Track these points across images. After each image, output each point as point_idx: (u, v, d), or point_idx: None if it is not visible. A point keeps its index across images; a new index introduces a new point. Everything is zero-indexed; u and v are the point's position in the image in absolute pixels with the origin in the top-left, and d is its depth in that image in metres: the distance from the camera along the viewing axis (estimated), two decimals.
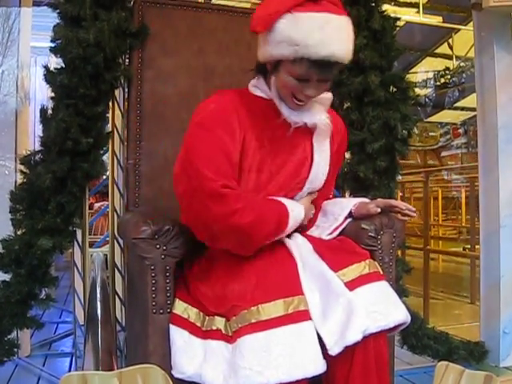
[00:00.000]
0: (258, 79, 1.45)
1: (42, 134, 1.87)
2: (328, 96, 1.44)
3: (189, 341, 1.29)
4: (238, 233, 1.25)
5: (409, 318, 1.34)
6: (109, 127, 1.97)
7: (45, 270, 1.88)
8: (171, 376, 1.23)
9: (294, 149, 1.42)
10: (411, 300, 2.21)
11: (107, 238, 2.13)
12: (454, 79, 7.39)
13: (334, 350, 1.20)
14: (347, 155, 2.18)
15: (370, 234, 1.49)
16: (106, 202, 2.93)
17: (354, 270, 1.32)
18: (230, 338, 1.21)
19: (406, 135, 2.20)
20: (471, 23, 2.77)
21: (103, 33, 1.79)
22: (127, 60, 1.93)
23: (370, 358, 1.24)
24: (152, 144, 1.87)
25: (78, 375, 1.07)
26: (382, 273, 1.39)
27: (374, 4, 2.20)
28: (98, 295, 1.83)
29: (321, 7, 1.28)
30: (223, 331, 1.24)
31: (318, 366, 1.17)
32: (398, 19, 2.28)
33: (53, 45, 1.85)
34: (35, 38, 2.95)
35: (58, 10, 1.85)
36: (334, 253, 1.37)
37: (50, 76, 1.85)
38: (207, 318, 1.29)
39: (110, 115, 1.96)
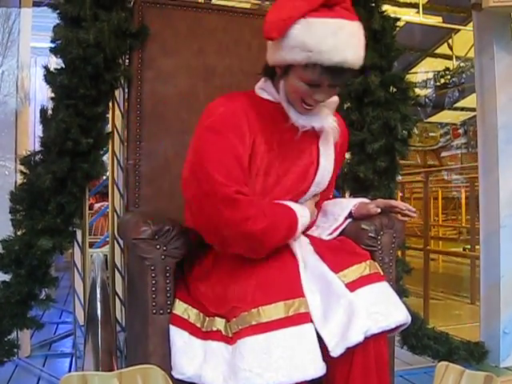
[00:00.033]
0: (265, 82, 1.44)
1: (41, 135, 1.87)
2: (335, 99, 1.42)
3: (189, 341, 1.29)
4: (250, 239, 1.25)
5: (409, 319, 1.34)
6: (109, 127, 1.97)
7: (45, 271, 1.88)
8: (171, 377, 1.23)
9: (301, 153, 1.41)
10: (411, 300, 2.21)
11: (107, 239, 2.13)
12: (453, 79, 7.38)
13: (336, 351, 1.21)
14: (347, 155, 2.17)
15: (370, 234, 1.49)
16: (106, 203, 2.93)
17: (355, 271, 1.33)
18: (230, 339, 1.21)
19: (405, 135, 2.20)
20: (471, 23, 2.78)
21: (103, 33, 1.79)
22: (127, 60, 1.92)
23: (370, 359, 1.24)
24: (152, 144, 1.87)
25: (78, 376, 1.07)
26: (382, 273, 1.39)
27: (373, 4, 2.19)
28: (98, 296, 1.83)
29: (334, 13, 1.27)
30: (223, 332, 1.23)
31: (318, 369, 1.17)
32: (398, 19, 2.28)
33: (53, 45, 1.84)
34: (35, 39, 2.96)
35: (57, 11, 1.84)
36: (334, 254, 1.37)
37: (50, 76, 1.85)
38: (207, 318, 1.29)
39: (109, 115, 1.96)
